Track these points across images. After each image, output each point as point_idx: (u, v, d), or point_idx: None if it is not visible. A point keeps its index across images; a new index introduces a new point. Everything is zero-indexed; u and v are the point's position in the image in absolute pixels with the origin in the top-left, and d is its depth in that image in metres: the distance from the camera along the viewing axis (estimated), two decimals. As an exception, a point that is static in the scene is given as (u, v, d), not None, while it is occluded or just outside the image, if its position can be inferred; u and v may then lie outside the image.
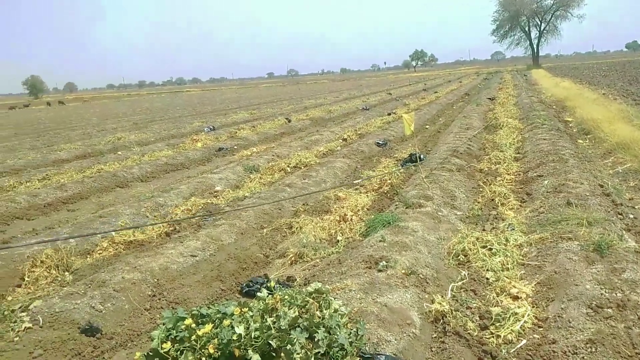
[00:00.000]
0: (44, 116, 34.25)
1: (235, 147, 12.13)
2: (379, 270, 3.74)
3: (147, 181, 8.98)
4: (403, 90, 33.22)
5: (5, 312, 3.44)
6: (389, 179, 6.93)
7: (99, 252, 4.97)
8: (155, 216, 6.15)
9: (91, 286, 3.76)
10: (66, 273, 4.42)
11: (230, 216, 5.64)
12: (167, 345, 2.92)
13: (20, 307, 3.61)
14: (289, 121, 16.80)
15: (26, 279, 4.32)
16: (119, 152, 11.82)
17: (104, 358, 3.09)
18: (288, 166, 8.54)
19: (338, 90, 42.32)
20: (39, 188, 8.27)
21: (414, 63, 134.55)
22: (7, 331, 3.27)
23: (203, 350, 2.89)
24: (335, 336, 2.69)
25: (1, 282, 4.26)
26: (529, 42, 71.94)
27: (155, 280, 3.99)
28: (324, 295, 2.96)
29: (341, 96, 31.62)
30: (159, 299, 3.78)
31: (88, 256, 4.92)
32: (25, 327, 3.29)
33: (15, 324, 3.35)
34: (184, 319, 3.08)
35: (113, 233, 5.18)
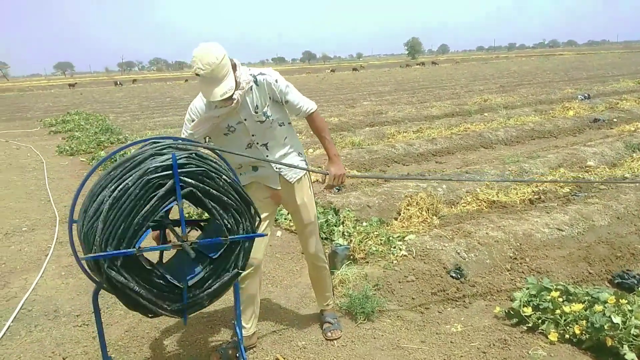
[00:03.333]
0: (419, 75, 37.92)
1: (615, 119, 10.58)
2: None
3: (511, 145, 8.90)
4: None
5: (388, 238, 4.10)
6: None
7: (463, 204, 5.30)
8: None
9: (457, 234, 4.06)
10: (434, 217, 4.91)
11: (605, 196, 5.03)
12: (529, 310, 2.91)
13: (398, 237, 4.23)
14: (696, 94, 13.42)
15: (402, 214, 5.01)
16: (485, 114, 12.04)
17: (464, 301, 3.33)
18: (691, 149, 6.91)
19: None
20: (413, 139, 9.33)
21: None
22: (388, 253, 3.90)
23: (567, 327, 2.75)
24: None
25: (385, 212, 5.07)
26: None
27: (518, 244, 3.98)
28: None
29: None
30: (520, 263, 3.77)
31: (453, 206, 5.32)
32: (402, 254, 3.85)
33: (395, 249, 3.95)
34: (549, 290, 2.99)
35: (478, 190, 5.40)
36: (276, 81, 2.58)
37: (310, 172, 2.89)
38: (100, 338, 2.25)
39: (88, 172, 2.11)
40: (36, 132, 15.18)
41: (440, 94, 18.96)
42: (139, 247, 1.99)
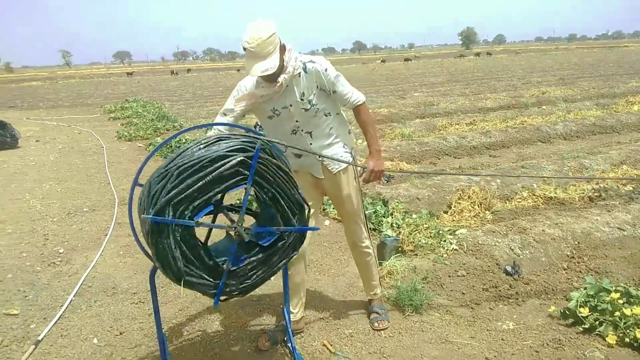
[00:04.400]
0: (473, 66, 36.85)
1: (686, 115, 9.91)
2: None
3: (570, 140, 8.52)
4: None
5: (438, 231, 4.03)
6: None
7: (517, 200, 5.13)
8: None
9: (512, 230, 3.93)
10: (487, 212, 4.78)
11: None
12: (585, 311, 2.80)
13: (448, 230, 4.15)
14: None
15: (452, 207, 4.91)
16: (543, 107, 11.56)
17: (517, 299, 3.23)
18: None
19: None
20: (466, 131, 9.10)
21: None
22: (438, 246, 3.84)
23: (627, 331, 2.62)
24: None
25: (435, 205, 4.98)
26: None
27: (576, 242, 3.81)
28: None
29: None
30: (578, 262, 3.61)
31: (507, 202, 5.15)
32: (452, 248, 3.78)
33: (445, 242, 3.88)
34: (608, 291, 2.86)
35: (535, 185, 5.21)
36: (325, 70, 2.56)
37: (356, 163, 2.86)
38: (156, 316, 2.34)
39: (146, 156, 2.18)
40: (96, 118, 15.91)
41: (496, 86, 18.36)
42: (198, 221, 2.02)
